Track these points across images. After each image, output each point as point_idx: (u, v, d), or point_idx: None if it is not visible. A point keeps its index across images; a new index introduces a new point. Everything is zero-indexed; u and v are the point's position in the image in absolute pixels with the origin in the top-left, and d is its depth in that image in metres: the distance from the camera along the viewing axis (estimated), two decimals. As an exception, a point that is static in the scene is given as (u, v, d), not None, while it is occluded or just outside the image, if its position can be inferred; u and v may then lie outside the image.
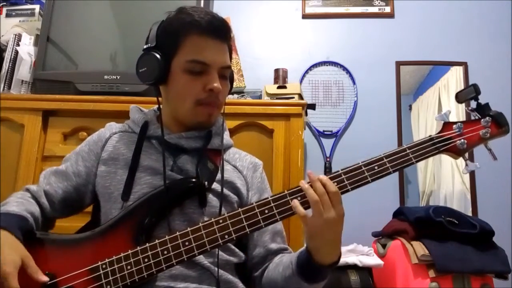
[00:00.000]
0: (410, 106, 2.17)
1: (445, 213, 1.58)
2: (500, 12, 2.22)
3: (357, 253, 1.60)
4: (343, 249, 1.61)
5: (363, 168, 0.83)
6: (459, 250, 1.51)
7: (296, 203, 0.79)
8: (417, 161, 0.85)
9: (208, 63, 0.91)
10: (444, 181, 2.07)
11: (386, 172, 0.83)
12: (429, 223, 1.54)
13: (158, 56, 0.91)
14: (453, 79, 2.15)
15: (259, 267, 0.97)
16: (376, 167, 0.83)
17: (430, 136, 0.88)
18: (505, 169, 2.04)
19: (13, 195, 0.92)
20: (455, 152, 0.88)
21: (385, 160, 0.84)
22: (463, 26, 2.22)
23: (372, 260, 1.58)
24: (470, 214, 1.98)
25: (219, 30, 0.93)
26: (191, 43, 0.91)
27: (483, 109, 0.89)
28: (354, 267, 1.55)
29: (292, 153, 1.42)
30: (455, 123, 0.89)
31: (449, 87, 2.13)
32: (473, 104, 0.92)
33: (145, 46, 0.93)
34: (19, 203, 0.87)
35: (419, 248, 1.52)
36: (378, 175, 0.83)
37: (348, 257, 1.57)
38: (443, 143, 0.87)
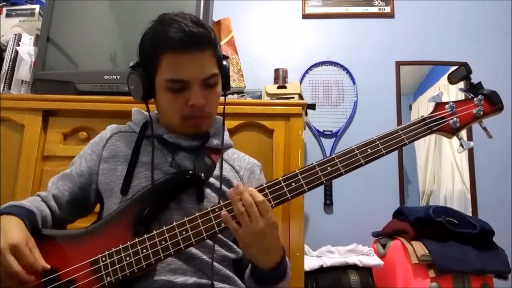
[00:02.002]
0: (410, 106, 2.17)
1: (445, 213, 1.58)
2: (500, 12, 2.22)
3: (357, 253, 1.60)
4: (343, 249, 1.61)
5: (356, 151, 0.84)
6: (459, 250, 1.51)
7: (227, 216, 0.80)
8: (409, 142, 0.85)
9: (187, 79, 0.90)
10: (444, 181, 2.07)
11: (379, 154, 0.84)
12: (429, 223, 1.54)
13: (141, 75, 0.93)
14: (453, 79, 2.15)
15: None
16: (369, 150, 0.84)
17: (422, 116, 0.88)
18: (505, 169, 2.04)
19: (26, 199, 0.96)
20: (449, 132, 0.88)
21: (377, 142, 0.85)
22: (463, 26, 2.22)
23: (372, 260, 1.58)
24: (470, 214, 1.98)
25: (194, 42, 0.89)
26: (166, 62, 0.90)
27: (476, 88, 0.89)
28: (354, 267, 1.55)
29: (292, 153, 1.42)
30: (447, 103, 0.89)
31: (449, 87, 2.13)
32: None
33: (131, 64, 0.95)
34: (30, 201, 0.93)
35: (419, 248, 1.52)
36: (371, 157, 0.84)
37: (348, 257, 1.57)
38: (435, 122, 0.87)
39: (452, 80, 0.95)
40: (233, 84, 1.82)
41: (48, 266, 0.80)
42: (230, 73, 1.04)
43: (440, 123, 0.87)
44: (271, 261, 0.84)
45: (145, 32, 0.95)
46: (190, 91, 0.91)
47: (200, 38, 0.90)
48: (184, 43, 0.88)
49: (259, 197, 0.79)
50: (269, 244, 0.82)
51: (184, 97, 0.91)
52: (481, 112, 0.87)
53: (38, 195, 0.99)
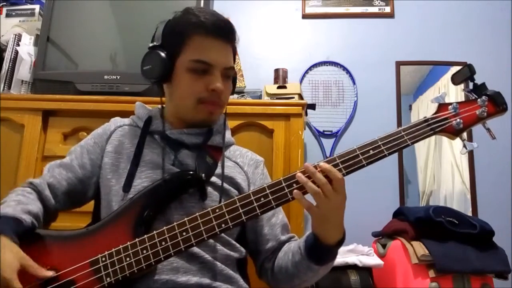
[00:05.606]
0: (410, 106, 2.17)
1: (445, 213, 1.58)
2: (500, 12, 2.22)
3: (357, 253, 1.60)
4: (343, 249, 1.61)
5: (358, 152, 0.83)
6: (459, 250, 1.51)
7: (299, 194, 0.79)
8: (412, 143, 0.85)
9: (212, 63, 0.93)
10: (444, 181, 2.07)
11: (381, 155, 0.83)
12: (429, 223, 1.54)
13: (163, 54, 0.93)
14: (453, 79, 2.15)
15: (271, 257, 0.99)
16: (371, 151, 0.83)
17: (425, 117, 0.88)
18: (505, 169, 2.04)
19: (14, 191, 0.92)
20: (452, 133, 0.87)
21: (379, 143, 0.84)
22: (463, 26, 2.22)
23: (372, 260, 1.58)
24: (470, 214, 1.98)
25: (224, 31, 0.95)
26: (195, 43, 0.93)
27: (479, 89, 0.88)
28: (354, 267, 1.55)
29: (292, 153, 1.42)
30: (450, 103, 0.88)
31: (449, 87, 2.13)
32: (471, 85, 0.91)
33: (150, 44, 0.95)
34: (16, 202, 0.86)
35: (419, 248, 1.52)
36: (373, 159, 0.83)
37: (348, 257, 1.57)
38: (438, 123, 0.86)
39: (455, 80, 0.94)
40: (233, 84, 1.82)
41: (50, 274, 0.78)
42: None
43: (443, 124, 0.86)
44: (337, 236, 0.85)
45: (172, 18, 0.97)
46: (211, 77, 0.93)
47: (230, 29, 0.97)
48: (217, 27, 0.93)
49: (338, 175, 0.79)
50: (341, 218, 0.83)
51: (205, 81, 0.93)
52: (485, 114, 0.86)
53: (31, 183, 0.94)
